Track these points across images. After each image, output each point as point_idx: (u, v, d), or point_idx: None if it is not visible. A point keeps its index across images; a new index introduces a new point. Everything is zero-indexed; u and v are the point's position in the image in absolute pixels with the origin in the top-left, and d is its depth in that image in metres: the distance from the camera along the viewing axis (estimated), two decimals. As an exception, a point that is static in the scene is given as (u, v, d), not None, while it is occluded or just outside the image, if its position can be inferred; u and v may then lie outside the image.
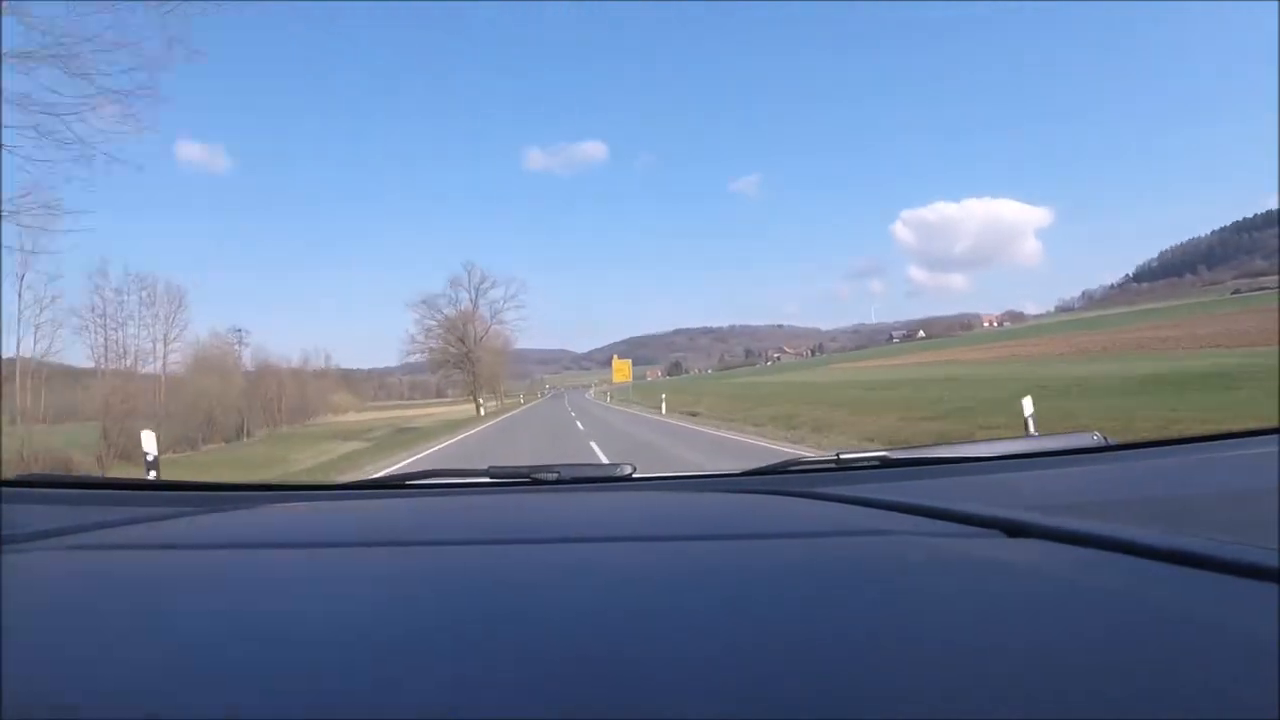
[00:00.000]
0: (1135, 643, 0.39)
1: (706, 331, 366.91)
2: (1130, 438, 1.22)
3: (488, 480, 1.25)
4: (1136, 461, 1.08)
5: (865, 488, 1.00)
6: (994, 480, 1.05)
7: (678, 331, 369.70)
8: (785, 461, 1.21)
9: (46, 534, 0.83)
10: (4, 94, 8.74)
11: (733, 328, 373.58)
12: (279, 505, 1.12)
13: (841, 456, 1.16)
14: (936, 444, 1.23)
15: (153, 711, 0.34)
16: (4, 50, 8.60)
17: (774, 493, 1.00)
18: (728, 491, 1.08)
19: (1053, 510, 0.73)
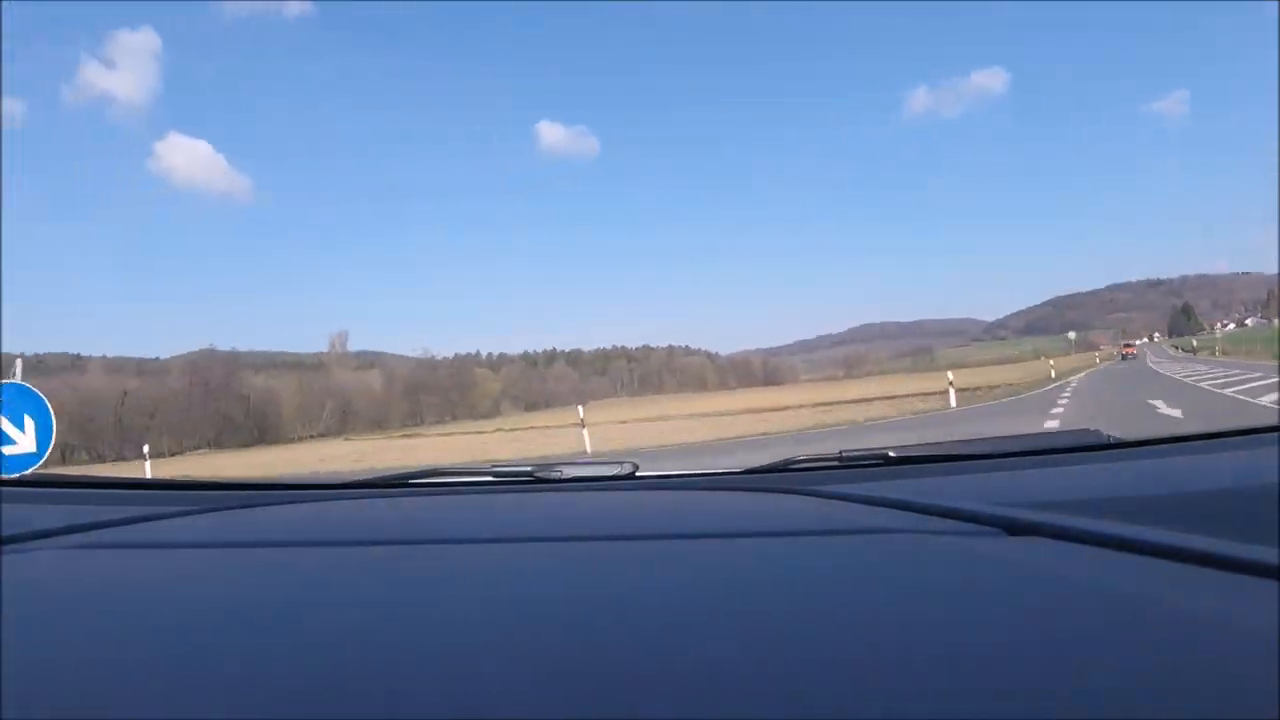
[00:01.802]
0: (1136, 640, 0.40)
1: (1152, 284, 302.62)
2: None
3: (490, 479, 1.27)
4: (1138, 459, 1.08)
5: (868, 486, 1.00)
6: (996, 478, 1.05)
7: (1113, 287, 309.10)
8: (788, 459, 1.20)
9: (48, 533, 0.84)
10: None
11: (1185, 279, 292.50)
12: (281, 505, 1.12)
13: (844, 454, 1.17)
14: (940, 442, 1.26)
15: (154, 712, 0.34)
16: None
17: (776, 491, 1.02)
18: (730, 490, 1.09)
19: (1054, 508, 0.74)
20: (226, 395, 69.92)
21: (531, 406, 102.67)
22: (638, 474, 1.25)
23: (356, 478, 1.31)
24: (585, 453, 13.93)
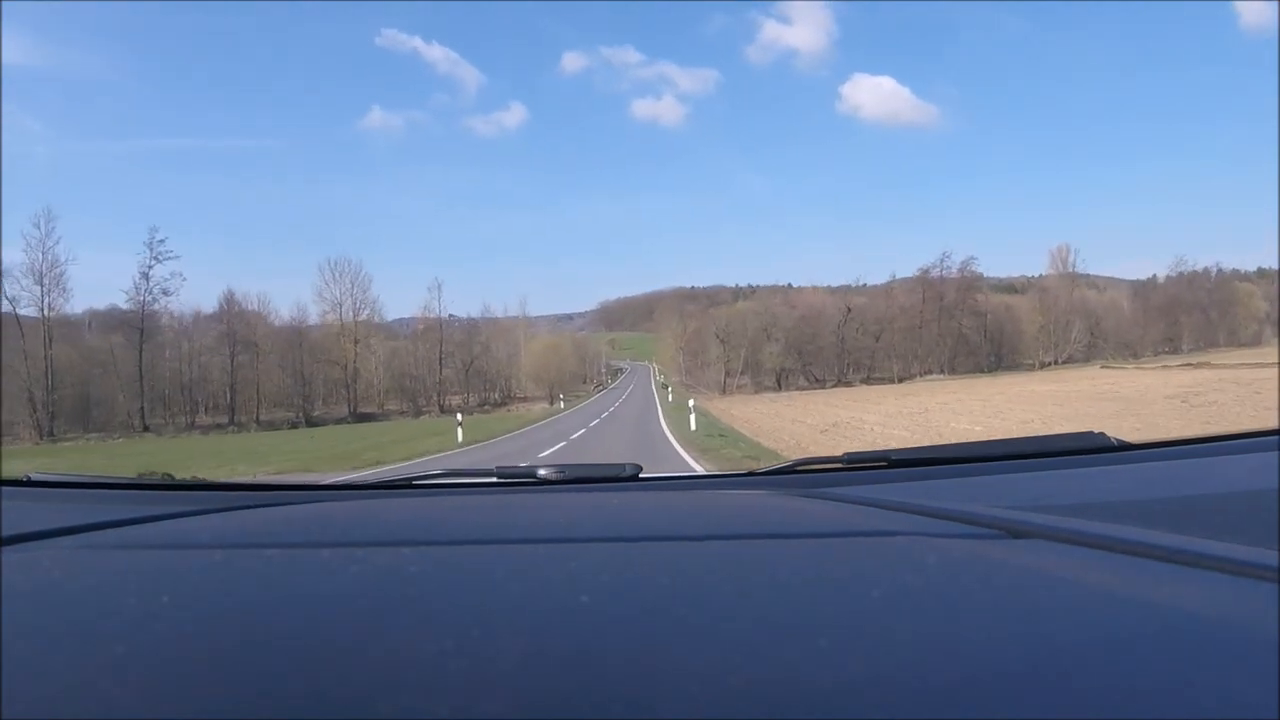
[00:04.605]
0: (1137, 643, 0.40)
1: None
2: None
3: (494, 480, 1.28)
4: (1140, 462, 1.08)
5: (872, 489, 1.02)
6: (999, 480, 1.06)
7: None
8: (793, 461, 1.24)
9: (54, 533, 0.84)
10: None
11: None
12: (287, 506, 1.12)
13: (849, 456, 1.18)
14: (944, 444, 1.27)
15: (159, 713, 0.34)
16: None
17: (781, 493, 1.03)
18: (735, 491, 1.12)
19: (1056, 511, 0.75)
20: (962, 313, 63.64)
21: (1294, 333, 79.20)
22: (641, 475, 1.26)
23: (364, 479, 1.36)
24: None
